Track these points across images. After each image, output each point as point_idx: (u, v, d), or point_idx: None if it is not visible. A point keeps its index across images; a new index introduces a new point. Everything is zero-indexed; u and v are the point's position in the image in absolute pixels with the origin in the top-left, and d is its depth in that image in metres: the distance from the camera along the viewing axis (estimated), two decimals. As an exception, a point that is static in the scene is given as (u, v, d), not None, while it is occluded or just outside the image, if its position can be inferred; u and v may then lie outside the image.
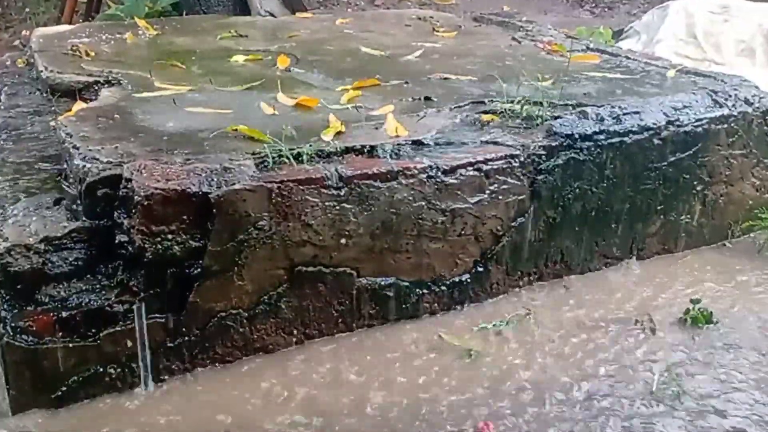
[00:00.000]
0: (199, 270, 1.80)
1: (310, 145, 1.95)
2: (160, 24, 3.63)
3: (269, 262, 1.87)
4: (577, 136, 2.18)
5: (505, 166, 2.08)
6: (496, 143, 2.12)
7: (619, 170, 2.26)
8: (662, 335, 2.06)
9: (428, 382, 1.87)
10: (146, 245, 1.74)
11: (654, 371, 1.91)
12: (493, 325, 2.08)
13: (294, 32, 3.46)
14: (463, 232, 2.09)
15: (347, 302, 2.01)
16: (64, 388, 1.76)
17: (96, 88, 2.56)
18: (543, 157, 2.13)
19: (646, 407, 1.78)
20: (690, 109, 2.38)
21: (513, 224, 2.15)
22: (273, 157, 1.89)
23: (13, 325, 1.70)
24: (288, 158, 1.90)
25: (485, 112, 2.29)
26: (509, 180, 2.10)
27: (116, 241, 1.76)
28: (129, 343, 1.79)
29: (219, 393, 1.83)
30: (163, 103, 2.32)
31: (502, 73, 2.64)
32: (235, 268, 1.83)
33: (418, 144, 2.06)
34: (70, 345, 1.74)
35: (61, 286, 1.77)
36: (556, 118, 2.22)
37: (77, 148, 1.93)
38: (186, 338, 1.85)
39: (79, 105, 2.36)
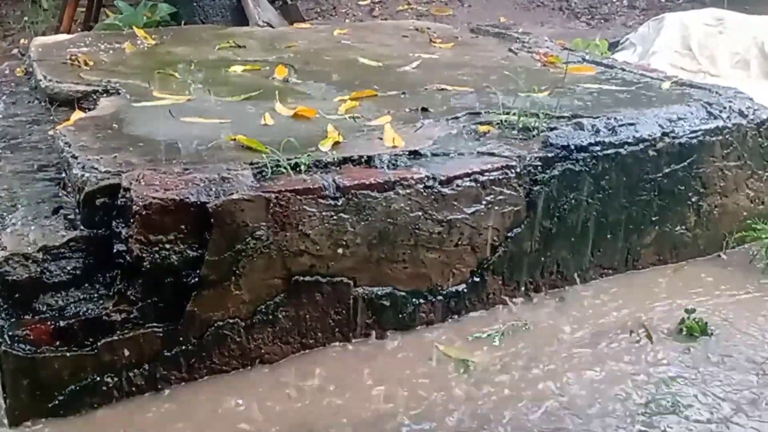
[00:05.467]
0: (196, 279, 1.80)
1: (308, 156, 1.96)
2: (158, 34, 3.65)
3: (267, 272, 1.88)
4: (572, 147, 2.19)
5: (501, 176, 2.10)
6: (492, 154, 2.14)
7: (615, 181, 2.27)
8: (658, 346, 2.06)
9: (423, 393, 1.87)
10: (144, 255, 1.74)
11: (649, 382, 1.91)
12: (489, 336, 2.09)
13: (292, 43, 3.48)
14: (459, 243, 2.10)
15: (344, 312, 2.01)
16: (61, 398, 1.76)
17: (95, 97, 2.57)
18: (539, 168, 2.15)
19: (642, 419, 1.78)
20: (685, 120, 2.39)
21: (509, 235, 2.16)
22: (271, 167, 1.90)
23: (10, 333, 1.71)
24: (286, 168, 1.91)
25: (482, 123, 2.31)
26: (505, 190, 2.11)
27: (114, 251, 1.77)
28: (126, 353, 1.80)
29: (217, 403, 1.83)
30: (161, 113, 2.33)
31: (499, 84, 2.66)
32: (233, 277, 1.84)
33: (415, 154, 2.07)
34: (68, 354, 1.74)
35: (58, 295, 1.77)
36: (552, 129, 2.24)
37: (76, 158, 1.94)
38: (183, 348, 1.85)
39: (77, 114, 2.37)
